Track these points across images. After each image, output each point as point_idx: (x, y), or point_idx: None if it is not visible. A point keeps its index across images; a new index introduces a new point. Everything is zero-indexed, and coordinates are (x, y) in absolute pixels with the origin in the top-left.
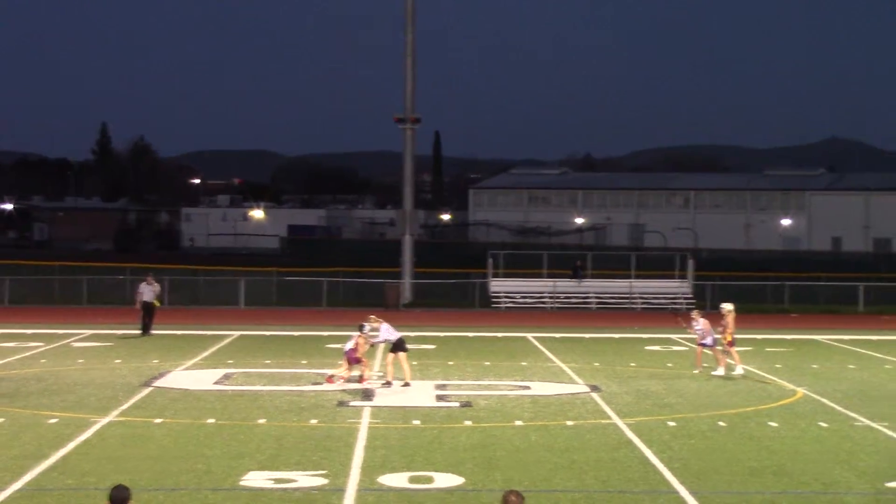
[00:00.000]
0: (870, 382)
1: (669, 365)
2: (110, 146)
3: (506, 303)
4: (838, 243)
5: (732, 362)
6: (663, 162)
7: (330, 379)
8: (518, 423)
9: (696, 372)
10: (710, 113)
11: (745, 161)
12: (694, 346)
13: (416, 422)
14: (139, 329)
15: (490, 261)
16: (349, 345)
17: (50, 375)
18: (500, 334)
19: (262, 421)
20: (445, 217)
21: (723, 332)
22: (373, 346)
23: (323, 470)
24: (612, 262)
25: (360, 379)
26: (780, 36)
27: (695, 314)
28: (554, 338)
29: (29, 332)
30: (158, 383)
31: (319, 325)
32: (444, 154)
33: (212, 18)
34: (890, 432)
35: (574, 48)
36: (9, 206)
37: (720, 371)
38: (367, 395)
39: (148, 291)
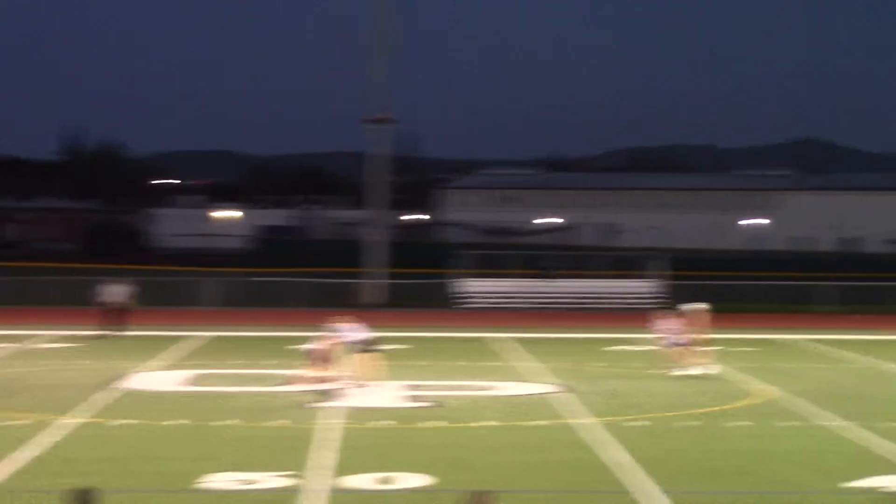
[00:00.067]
0: (838, 382)
1: (638, 365)
2: (80, 147)
3: (477, 303)
4: (807, 243)
5: (702, 362)
6: (634, 162)
7: (299, 379)
8: (489, 423)
9: (664, 372)
10: (682, 113)
11: (716, 161)
12: (664, 346)
13: (387, 422)
14: (108, 330)
15: (461, 261)
16: (318, 345)
17: (17, 376)
18: (471, 334)
19: (229, 422)
20: (417, 217)
21: (693, 332)
22: (343, 346)
23: (291, 471)
24: (582, 262)
25: (330, 379)
26: (752, 37)
27: (664, 314)
28: (525, 338)
29: None
30: (126, 384)
31: (289, 326)
32: (416, 154)
33: (181, 21)
34: (857, 432)
35: (543, 49)
36: None
37: (690, 371)
38: (337, 395)
39: (118, 293)
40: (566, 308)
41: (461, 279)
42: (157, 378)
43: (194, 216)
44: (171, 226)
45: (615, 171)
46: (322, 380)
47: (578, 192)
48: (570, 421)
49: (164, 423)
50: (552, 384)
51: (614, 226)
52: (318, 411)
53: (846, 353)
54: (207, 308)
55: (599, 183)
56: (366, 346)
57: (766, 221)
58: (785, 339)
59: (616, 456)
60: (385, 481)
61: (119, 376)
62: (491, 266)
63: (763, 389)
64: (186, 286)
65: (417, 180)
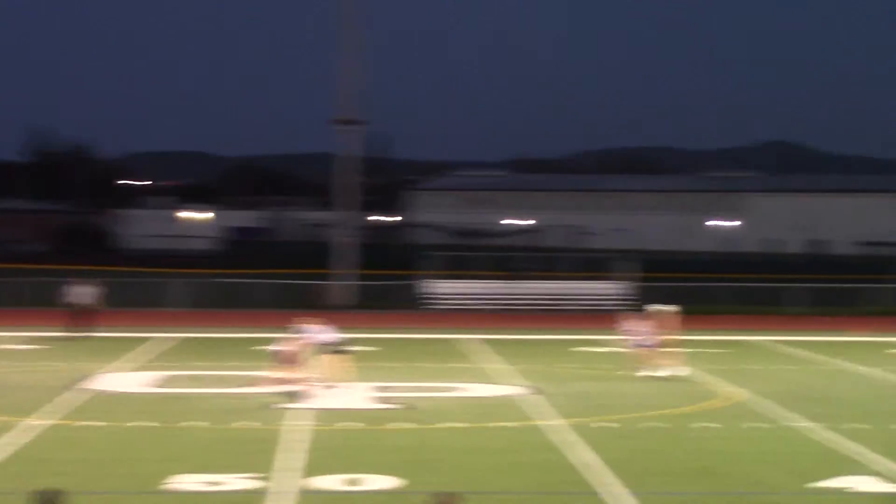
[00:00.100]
0: (806, 384)
1: (607, 366)
2: (48, 147)
3: (445, 304)
4: (775, 244)
5: (671, 363)
6: (602, 164)
7: (266, 381)
8: (457, 424)
9: (633, 373)
10: (652, 116)
11: (684, 163)
12: (633, 347)
13: (354, 423)
14: (75, 332)
15: (430, 262)
16: (285, 346)
17: None
18: (439, 336)
19: (197, 423)
20: (386, 218)
21: (661, 334)
22: (311, 347)
23: (257, 472)
24: (551, 264)
25: (298, 381)
26: (721, 41)
27: (633, 315)
28: (493, 339)
29: None
30: (93, 386)
31: (257, 327)
32: (386, 155)
33: (152, 22)
34: (823, 432)
35: (511, 50)
36: None
37: (658, 372)
38: (303, 396)
39: (85, 293)
40: (535, 310)
41: (430, 281)
42: (125, 379)
43: (163, 217)
44: (140, 227)
45: (585, 173)
46: (290, 381)
47: (548, 194)
48: (539, 422)
49: (132, 424)
50: (520, 386)
51: (583, 227)
52: (285, 412)
53: (814, 355)
54: (175, 309)
55: (569, 185)
56: (334, 348)
57: (736, 223)
58: (754, 341)
59: (584, 457)
60: (353, 483)
61: (87, 378)
62: (460, 267)
63: (731, 391)
64: (154, 287)
65: (388, 182)
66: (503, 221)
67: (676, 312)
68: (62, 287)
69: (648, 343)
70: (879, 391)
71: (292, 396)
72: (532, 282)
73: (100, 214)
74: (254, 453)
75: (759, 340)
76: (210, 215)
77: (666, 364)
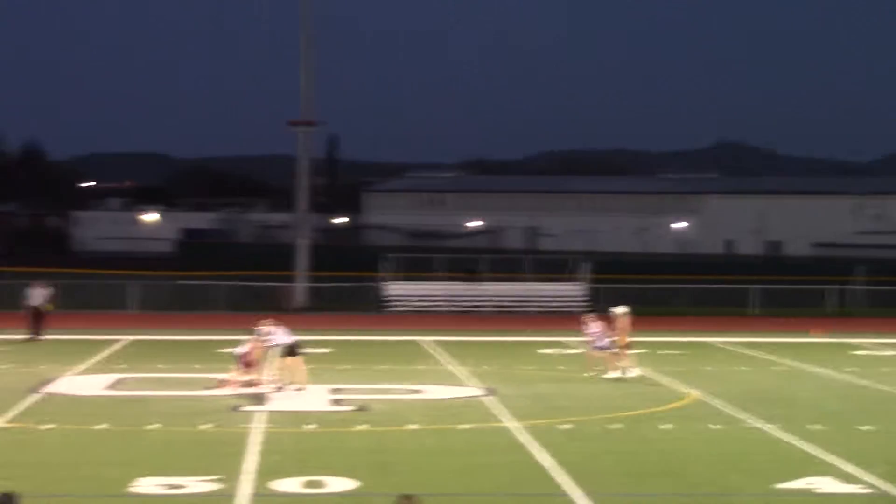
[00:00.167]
0: (762, 385)
1: (564, 368)
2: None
3: (401, 306)
4: (731, 246)
5: (626, 365)
6: (558, 165)
7: (223, 383)
8: (413, 426)
9: (589, 375)
10: (605, 117)
11: (640, 165)
12: (589, 349)
13: (311, 426)
14: (29, 334)
15: (385, 264)
16: (243, 349)
17: None
18: (395, 338)
19: (153, 426)
20: (340, 220)
21: (617, 336)
22: (267, 350)
23: (216, 475)
24: (507, 265)
25: (254, 383)
26: (668, 40)
27: (589, 317)
28: (449, 341)
29: None
30: (48, 389)
31: (213, 329)
32: (340, 157)
33: (105, 20)
34: (782, 434)
35: (468, 52)
36: None
37: (614, 374)
38: (261, 399)
39: (38, 296)
40: (494, 311)
41: (387, 282)
42: (82, 382)
43: (118, 219)
44: (94, 229)
45: (543, 174)
46: (247, 383)
47: (505, 196)
48: (496, 424)
49: (89, 427)
50: (478, 387)
51: (540, 229)
52: (242, 415)
53: (770, 356)
54: (132, 311)
55: (526, 186)
56: (290, 350)
57: (692, 225)
58: (711, 342)
59: (541, 459)
60: (309, 485)
61: (43, 380)
62: (417, 269)
63: (689, 392)
64: (110, 289)
65: (344, 183)
66: (458, 223)
67: (629, 314)
68: (17, 290)
69: (605, 345)
70: (836, 392)
71: (249, 398)
72: (490, 283)
73: (52, 216)
74: (214, 456)
75: (716, 342)
76: (164, 217)
77: (622, 366)
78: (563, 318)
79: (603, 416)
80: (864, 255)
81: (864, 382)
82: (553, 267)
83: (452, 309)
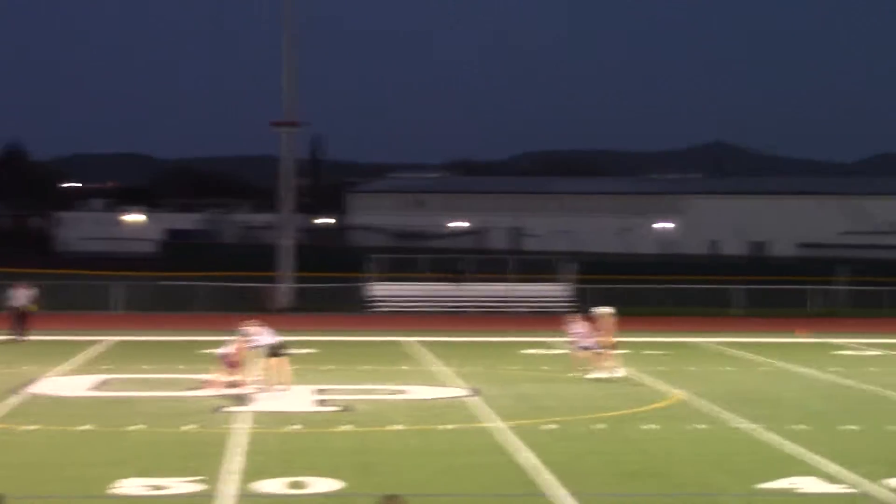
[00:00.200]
0: (746, 385)
1: (548, 368)
2: None
3: (385, 307)
4: (715, 246)
5: (611, 366)
6: (542, 166)
7: (207, 384)
8: (397, 427)
9: (574, 375)
10: (590, 118)
11: (623, 165)
12: (573, 349)
13: (295, 426)
14: (12, 335)
15: (370, 264)
16: (227, 349)
17: None
18: (379, 338)
19: (138, 427)
20: (324, 221)
21: (602, 336)
22: (252, 350)
23: (200, 476)
24: (491, 266)
25: (238, 384)
26: (659, 40)
27: (573, 317)
28: (433, 341)
29: None
30: (32, 389)
31: (197, 330)
32: (324, 158)
33: (93, 21)
34: (765, 433)
35: (452, 53)
36: None
37: (599, 374)
38: (245, 400)
39: (21, 296)
40: (478, 311)
41: (371, 283)
42: (65, 383)
43: (101, 220)
44: (77, 229)
45: (524, 175)
46: (231, 384)
47: (489, 196)
48: (481, 425)
49: (73, 428)
50: (462, 388)
51: (523, 229)
52: (226, 416)
53: (755, 356)
54: (116, 312)
55: (510, 187)
56: (275, 351)
57: (676, 225)
58: (695, 342)
59: (526, 459)
60: (294, 486)
61: (27, 381)
62: (401, 269)
63: (673, 392)
64: (94, 290)
65: (328, 184)
66: (443, 223)
67: (613, 314)
68: (6, 290)
69: (589, 345)
70: (820, 392)
71: (236, 399)
72: (475, 284)
73: (35, 217)
74: (195, 457)
75: (700, 342)
76: (148, 217)
77: (607, 366)
78: (548, 319)
79: (587, 417)
80: (849, 256)
81: (848, 382)
82: (537, 267)
83: (437, 309)
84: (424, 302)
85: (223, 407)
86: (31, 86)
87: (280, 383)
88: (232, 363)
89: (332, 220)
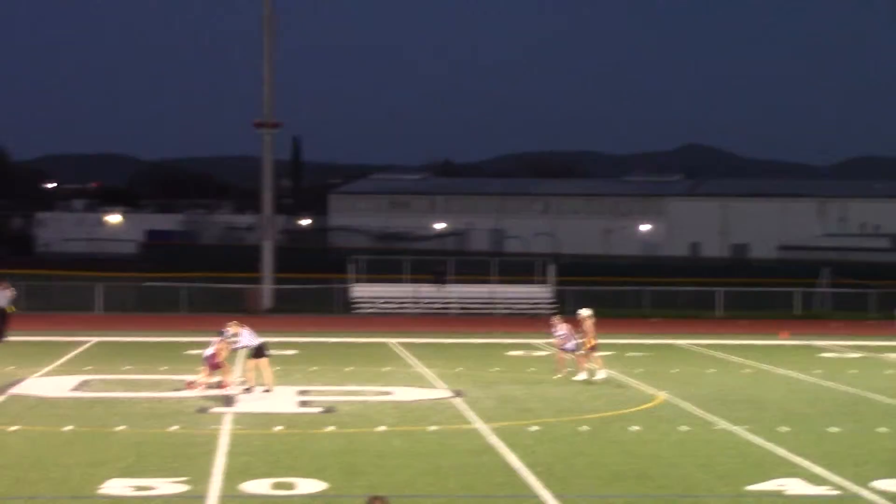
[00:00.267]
0: (729, 386)
1: (532, 370)
2: None
3: (367, 308)
4: (696, 249)
5: (594, 367)
6: (522, 168)
7: (190, 385)
8: (381, 428)
9: (557, 377)
10: (569, 119)
11: (604, 167)
12: (556, 350)
13: (279, 428)
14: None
15: (351, 266)
16: (209, 350)
17: None
18: (362, 340)
19: (121, 428)
20: (305, 222)
21: (584, 338)
22: (234, 351)
23: (184, 477)
24: (473, 268)
25: (221, 385)
26: (635, 42)
27: (556, 319)
28: (416, 343)
29: None
30: (14, 390)
31: (179, 331)
32: (304, 159)
33: (66, 19)
34: (749, 435)
35: (434, 54)
36: None
37: (582, 376)
38: (229, 401)
39: (1, 297)
40: (461, 313)
41: (352, 284)
42: (48, 384)
43: (82, 220)
44: (58, 230)
45: (505, 176)
46: (214, 385)
47: (469, 198)
48: (465, 426)
49: (56, 429)
50: (445, 389)
51: (505, 231)
52: (209, 416)
53: (737, 358)
54: (97, 313)
55: (492, 188)
56: (257, 352)
57: (657, 227)
58: (676, 344)
59: (510, 461)
60: (278, 487)
61: (8, 382)
62: (383, 271)
63: (655, 394)
64: (75, 291)
65: (309, 185)
66: (423, 225)
67: (592, 316)
68: None
69: (573, 346)
70: (804, 394)
71: (219, 400)
72: (457, 285)
73: (15, 217)
74: (178, 458)
75: (681, 344)
76: (128, 218)
77: (590, 368)
78: (530, 320)
79: (571, 418)
80: (830, 258)
81: (831, 385)
82: (519, 269)
83: (419, 311)
84: (406, 303)
85: (207, 408)
86: (11, 86)
87: (262, 384)
88: (215, 364)
89: (314, 222)
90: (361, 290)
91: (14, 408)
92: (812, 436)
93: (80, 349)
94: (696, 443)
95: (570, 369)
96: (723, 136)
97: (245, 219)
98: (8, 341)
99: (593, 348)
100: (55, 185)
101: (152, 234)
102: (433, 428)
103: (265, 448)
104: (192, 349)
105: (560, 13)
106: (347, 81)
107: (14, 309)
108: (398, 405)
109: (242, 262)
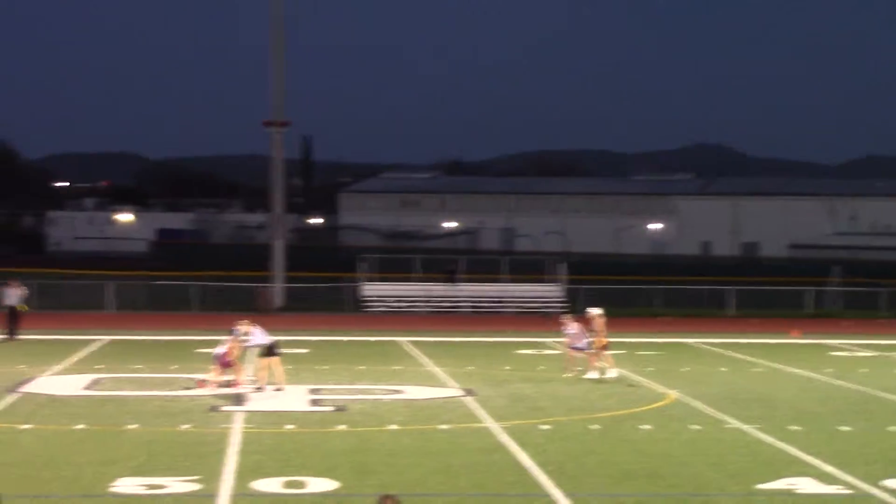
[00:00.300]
0: (740, 385)
1: (542, 368)
2: None
3: (378, 307)
4: (707, 247)
5: (605, 366)
6: (530, 166)
7: (201, 383)
8: (392, 426)
9: (568, 375)
10: (578, 118)
11: (613, 166)
12: (567, 349)
13: (290, 426)
14: (4, 334)
15: (362, 264)
16: (221, 349)
17: None
18: (373, 338)
19: (132, 426)
20: (316, 221)
21: (595, 336)
22: (245, 350)
23: (195, 475)
24: (483, 266)
25: (233, 383)
26: (645, 41)
27: (566, 318)
28: (427, 341)
29: None
30: (25, 389)
31: (190, 330)
32: (314, 158)
33: (76, 19)
34: (760, 434)
35: (443, 53)
36: None
37: (592, 374)
38: (240, 399)
39: (13, 296)
40: (472, 312)
41: (363, 283)
42: (59, 382)
43: (93, 219)
44: (69, 229)
45: (515, 175)
46: (225, 384)
47: (480, 196)
48: (476, 425)
49: (67, 427)
50: (456, 388)
51: (515, 230)
52: (221, 415)
53: (748, 357)
54: (108, 312)
55: (501, 187)
56: (268, 350)
57: (667, 226)
58: (687, 343)
59: (521, 459)
60: (290, 485)
61: (20, 380)
62: (393, 270)
63: (667, 393)
64: (87, 289)
65: (319, 184)
66: (433, 223)
67: (603, 315)
68: (0, 290)
69: (584, 345)
70: (815, 393)
71: (231, 399)
72: (468, 284)
73: (27, 216)
74: (194, 456)
75: (693, 342)
76: (140, 217)
77: (600, 366)
78: (541, 319)
79: (582, 417)
80: (840, 257)
81: (842, 383)
82: (529, 268)
83: (430, 309)
84: (417, 302)
85: (218, 406)
86: (21, 85)
87: (273, 383)
88: (226, 363)
89: (324, 220)
90: (372, 289)
91: (26, 406)
92: (823, 434)
93: (92, 348)
94: (707, 441)
95: (580, 368)
96: (733, 135)
97: (255, 217)
98: (19, 340)
99: (604, 347)
100: (66, 184)
101: (163, 233)
102: (444, 426)
103: (276, 447)
104: (203, 348)
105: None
106: (357, 81)
107: (26, 308)
108: (409, 404)
109: (253, 260)
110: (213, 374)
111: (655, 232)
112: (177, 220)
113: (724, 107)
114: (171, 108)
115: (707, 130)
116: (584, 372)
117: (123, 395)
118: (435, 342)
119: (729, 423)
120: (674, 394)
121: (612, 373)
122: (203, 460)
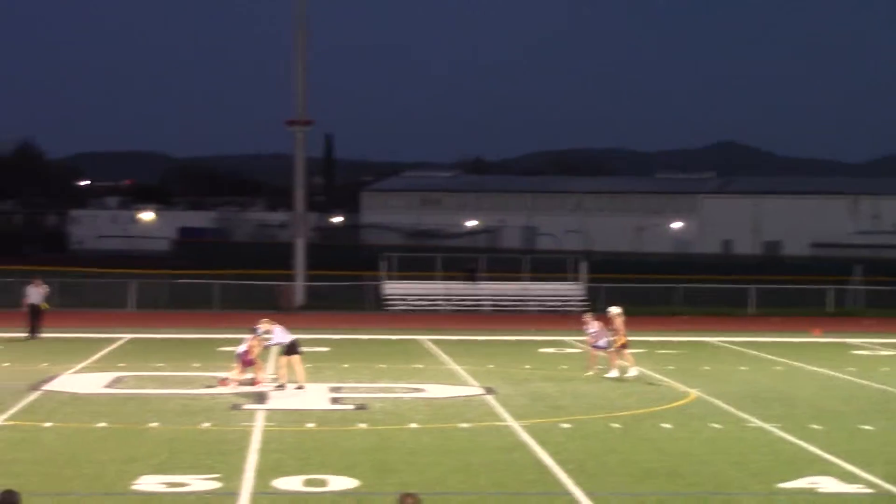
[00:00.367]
0: (761, 384)
1: (563, 367)
2: None
3: (400, 305)
4: (728, 246)
5: (626, 364)
6: (551, 165)
7: (223, 382)
8: (413, 425)
9: (589, 374)
10: (600, 117)
11: (635, 164)
12: (588, 348)
13: (311, 424)
14: (27, 332)
15: (383, 263)
16: (242, 347)
17: None
18: (394, 337)
19: (154, 424)
20: (338, 219)
21: (615, 335)
22: (266, 348)
23: (216, 473)
24: (505, 265)
25: (254, 382)
26: (669, 39)
27: (588, 316)
28: (448, 340)
29: None
30: (48, 387)
31: (212, 328)
32: (336, 156)
33: (98, 18)
34: (781, 433)
35: (464, 52)
36: None
37: (613, 373)
38: (261, 397)
39: (35, 294)
40: (493, 310)
41: (384, 281)
42: (81, 380)
43: (116, 217)
44: (92, 227)
45: (537, 173)
46: (246, 382)
47: (501, 195)
48: (497, 423)
49: (89, 425)
50: (477, 386)
51: (536, 228)
52: (242, 413)
53: (769, 356)
54: (130, 310)
55: (523, 186)
56: (289, 349)
57: (688, 224)
58: (709, 342)
59: (542, 458)
60: (310, 484)
61: (42, 378)
62: (414, 268)
63: (688, 391)
64: (109, 288)
65: (341, 183)
66: (454, 222)
67: (622, 314)
68: (16, 288)
69: (604, 344)
70: (836, 392)
71: (252, 397)
72: (489, 282)
73: (50, 215)
74: (211, 454)
75: (714, 341)
76: (162, 215)
77: (622, 365)
78: (562, 318)
79: (603, 416)
80: (862, 256)
81: (863, 382)
82: (551, 266)
83: (451, 308)
84: (438, 300)
85: (239, 405)
86: (45, 84)
87: (295, 381)
88: (247, 361)
89: (346, 219)
90: (393, 288)
91: (48, 404)
92: (844, 433)
93: (114, 346)
94: (728, 440)
95: (601, 367)
96: (756, 133)
97: (277, 216)
98: (42, 338)
99: (624, 346)
100: (89, 182)
101: (185, 232)
102: (465, 425)
103: (297, 445)
104: (225, 346)
105: (590, 7)
106: (379, 80)
107: (48, 306)
108: (430, 402)
109: (275, 259)
110: (234, 373)
111: (677, 231)
112: (199, 219)
113: (750, 105)
114: (196, 108)
115: (733, 129)
116: (606, 371)
117: (145, 394)
118: (456, 341)
119: (750, 422)
120: (695, 392)
121: (633, 371)
122: (224, 458)
